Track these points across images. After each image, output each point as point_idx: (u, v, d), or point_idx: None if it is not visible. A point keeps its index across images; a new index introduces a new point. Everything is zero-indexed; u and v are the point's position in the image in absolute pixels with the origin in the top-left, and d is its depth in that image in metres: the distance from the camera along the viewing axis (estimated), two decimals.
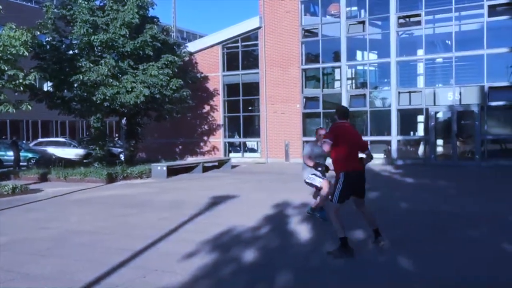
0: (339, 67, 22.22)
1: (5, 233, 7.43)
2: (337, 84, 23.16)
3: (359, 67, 23.22)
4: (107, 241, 6.81)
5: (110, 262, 5.52)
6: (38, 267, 5.47)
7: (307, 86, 23.23)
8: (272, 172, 17.73)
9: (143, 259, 5.75)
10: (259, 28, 23.33)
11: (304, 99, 22.80)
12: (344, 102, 21.70)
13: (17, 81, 12.81)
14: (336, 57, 22.46)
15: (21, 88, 14.02)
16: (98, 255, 6.00)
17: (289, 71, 22.73)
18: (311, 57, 23.24)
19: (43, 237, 7.09)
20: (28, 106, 13.08)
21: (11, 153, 21.13)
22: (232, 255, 5.85)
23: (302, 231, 7.13)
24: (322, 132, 7.43)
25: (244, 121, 24.52)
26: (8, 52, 11.86)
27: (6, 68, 12.16)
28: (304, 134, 22.67)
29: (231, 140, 24.92)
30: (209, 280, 4.89)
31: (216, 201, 10.31)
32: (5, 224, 8.22)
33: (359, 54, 23.11)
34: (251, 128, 25.17)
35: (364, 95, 21.63)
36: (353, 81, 23.47)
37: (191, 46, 24.17)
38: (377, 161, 20.62)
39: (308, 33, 22.82)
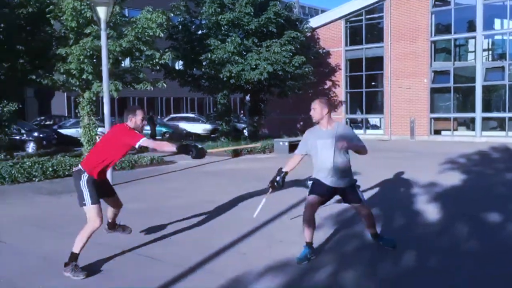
0: (474, 37, 20.51)
1: (144, 200, 8.22)
2: (470, 56, 21.47)
3: (497, 37, 21.20)
4: (236, 211, 7.20)
5: (239, 230, 5.84)
6: (176, 231, 5.99)
7: (436, 59, 21.86)
8: (396, 150, 17.13)
9: (269, 229, 5.99)
10: None
11: (433, 73, 21.51)
12: (479, 76, 20.07)
13: (154, 61, 13.88)
14: (471, 27, 20.74)
15: (157, 67, 15.17)
16: (227, 224, 6.39)
17: (416, 43, 21.54)
18: (441, 28, 21.76)
19: (177, 205, 7.69)
20: (164, 84, 14.14)
21: (148, 127, 23.11)
22: (355, 231, 5.85)
23: (429, 211, 6.84)
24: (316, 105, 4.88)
25: (367, 97, 23.91)
26: (146, 34, 12.86)
27: (144, 49, 13.23)
28: (432, 111, 21.47)
29: (353, 116, 24.48)
30: (333, 254, 4.96)
31: None
32: (144, 193, 9.09)
33: (497, 22, 21.06)
34: (374, 104, 24.47)
35: (503, 67, 19.77)
36: (490, 52, 21.54)
37: (313, 22, 23.99)
38: None
39: (439, 1, 21.32)
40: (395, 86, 22.24)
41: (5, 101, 13.74)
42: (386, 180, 9.72)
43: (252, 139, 19.34)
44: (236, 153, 15.91)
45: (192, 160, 7.06)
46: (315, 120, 4.90)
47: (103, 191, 4.82)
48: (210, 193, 8.72)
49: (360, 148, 4.89)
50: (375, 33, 23.82)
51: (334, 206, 7.15)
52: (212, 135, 23.59)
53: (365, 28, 23.53)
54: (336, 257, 4.86)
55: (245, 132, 23.97)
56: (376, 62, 23.25)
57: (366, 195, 8.02)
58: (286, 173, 4.97)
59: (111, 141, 4.70)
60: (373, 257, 4.90)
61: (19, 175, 10.19)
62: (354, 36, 24.06)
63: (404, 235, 5.73)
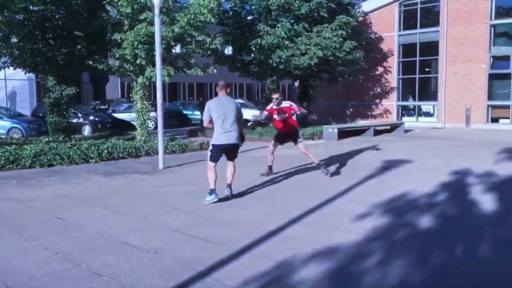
0: None
1: (197, 182, 8.37)
2: None
3: None
4: (285, 196, 7.25)
5: (287, 215, 5.88)
6: (226, 214, 6.10)
7: (495, 44, 20.87)
8: (450, 138, 16.59)
9: (317, 215, 5.99)
10: None
11: (492, 59, 20.57)
12: None
13: (205, 46, 14.05)
14: None
15: (208, 52, 15.33)
16: (276, 208, 6.44)
17: (474, 27, 20.64)
18: (502, 11, 20.72)
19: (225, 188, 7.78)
20: (214, 70, 14.29)
21: (198, 112, 23.49)
22: (407, 220, 5.75)
23: (484, 201, 6.61)
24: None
25: (420, 83, 23.22)
26: (198, 19, 13.01)
27: (195, 35, 13.39)
28: (490, 98, 20.59)
29: (405, 103, 23.87)
30: (383, 242, 4.90)
31: (388, 165, 10.11)
32: (195, 175, 9.24)
33: None
34: (428, 91, 23.74)
35: None
36: None
37: (366, 6, 23.43)
38: None
39: None
40: (450, 72, 21.46)
41: (64, 85, 14.34)
42: (439, 169, 9.47)
43: (301, 125, 19.22)
44: None
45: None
46: None
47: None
48: (256, 177, 8.78)
49: None
50: (431, 17, 23.00)
51: (383, 193, 7.06)
52: (262, 121, 23.60)
53: (420, 12, 22.76)
54: (386, 245, 4.81)
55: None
56: (431, 47, 22.48)
57: (418, 184, 7.86)
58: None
59: None
60: (424, 246, 4.81)
61: (77, 156, 10.64)
62: (408, 20, 23.33)
63: (458, 225, 5.59)
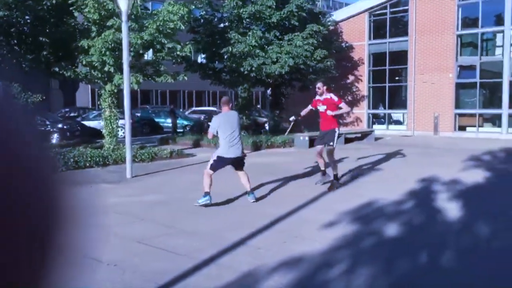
0: (502, 31, 19.95)
1: (165, 191, 8.25)
2: (498, 51, 20.90)
3: None
4: (252, 205, 7.17)
5: (254, 225, 5.80)
6: (192, 224, 5.99)
7: (462, 53, 21.36)
8: (419, 146, 16.83)
9: (285, 224, 5.94)
10: None
11: (458, 68, 21.03)
12: (506, 71, 19.57)
13: (175, 53, 13.91)
14: (499, 21, 20.19)
15: (178, 60, 15.21)
16: (244, 218, 6.36)
17: (441, 37, 21.08)
18: (468, 22, 21.24)
19: (197, 197, 7.68)
20: (185, 77, 14.16)
21: (169, 120, 23.26)
22: (373, 228, 5.75)
23: (450, 208, 6.68)
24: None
25: (390, 92, 23.53)
26: (167, 26, 12.88)
27: (165, 42, 13.25)
28: (457, 106, 21.02)
29: (375, 111, 24.15)
30: (349, 251, 4.87)
31: (358, 173, 10.17)
32: (164, 184, 9.12)
33: None
34: (397, 99, 24.07)
35: None
36: None
37: (337, 15, 23.68)
38: None
39: None
40: (419, 81, 21.84)
41: (29, 92, 13.98)
42: (407, 176, 9.55)
43: (273, 133, 19.25)
44: (256, 147, 15.89)
45: (212, 154, 7.07)
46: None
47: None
48: (228, 186, 8.68)
49: None
50: (400, 27, 23.41)
51: (351, 201, 7.06)
52: None
53: (389, 22, 23.13)
54: (352, 253, 4.78)
55: (267, 126, 23.87)
56: (400, 57, 22.84)
57: (386, 191, 7.90)
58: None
59: None
60: (389, 254, 4.80)
61: None
62: (378, 29, 23.68)
63: (423, 233, 5.61)
